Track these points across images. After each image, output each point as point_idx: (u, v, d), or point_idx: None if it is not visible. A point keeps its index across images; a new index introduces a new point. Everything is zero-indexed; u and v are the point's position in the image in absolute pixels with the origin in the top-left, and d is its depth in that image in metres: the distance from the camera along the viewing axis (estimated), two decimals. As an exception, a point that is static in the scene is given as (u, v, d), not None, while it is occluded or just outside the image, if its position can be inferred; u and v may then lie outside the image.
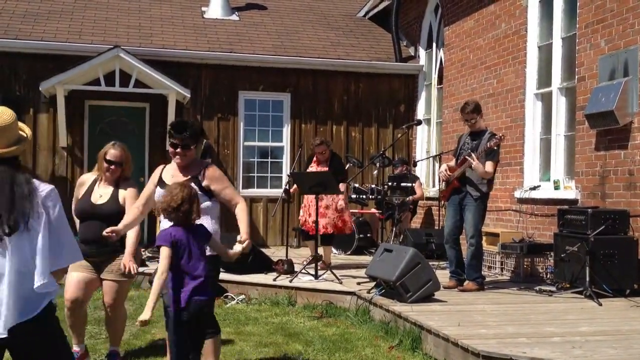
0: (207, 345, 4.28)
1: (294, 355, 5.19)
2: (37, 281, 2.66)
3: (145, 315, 3.58)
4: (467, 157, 6.84)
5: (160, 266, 3.76)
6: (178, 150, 4.40)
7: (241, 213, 4.41)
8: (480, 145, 6.90)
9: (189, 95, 10.82)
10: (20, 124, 2.96)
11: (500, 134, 6.99)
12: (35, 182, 2.81)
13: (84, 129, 11.12)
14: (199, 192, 4.24)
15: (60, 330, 2.90)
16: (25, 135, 2.92)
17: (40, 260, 2.68)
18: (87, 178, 5.08)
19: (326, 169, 8.12)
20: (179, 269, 3.83)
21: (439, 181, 7.40)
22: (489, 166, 6.83)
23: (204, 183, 4.39)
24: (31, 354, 2.76)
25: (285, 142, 11.90)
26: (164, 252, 3.78)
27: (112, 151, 4.93)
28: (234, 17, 12.94)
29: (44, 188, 2.81)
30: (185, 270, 3.83)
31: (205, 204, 4.31)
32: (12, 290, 2.64)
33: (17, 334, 2.66)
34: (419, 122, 9.95)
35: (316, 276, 7.44)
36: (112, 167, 4.90)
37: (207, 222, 4.25)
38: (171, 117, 10.74)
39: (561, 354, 4.33)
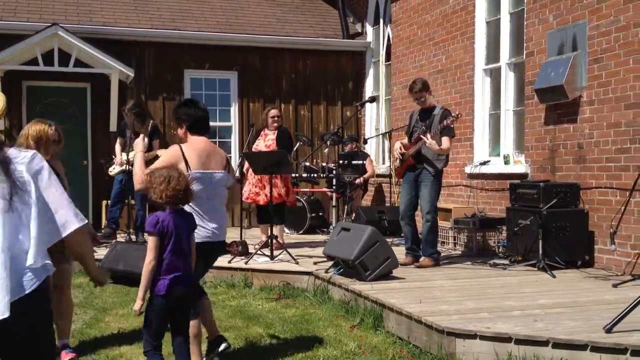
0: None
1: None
2: (29, 260, 2.32)
3: (137, 305, 3.68)
4: (421, 135, 6.84)
5: (148, 256, 3.66)
6: None
7: None
8: (434, 123, 6.91)
9: (132, 75, 10.48)
10: None
11: (457, 113, 7.01)
12: (12, 151, 2.38)
13: (22, 111, 10.65)
14: None
15: (51, 317, 2.57)
16: None
17: (32, 236, 2.33)
18: None
19: (274, 142, 8.01)
20: (164, 256, 3.71)
21: (391, 159, 7.38)
22: (445, 142, 6.84)
23: None
24: (16, 338, 2.35)
25: (233, 121, 11.70)
26: (152, 241, 3.67)
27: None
28: (177, -7, 12.56)
29: (24, 155, 2.39)
30: (170, 259, 3.70)
31: None
32: (4, 270, 2.28)
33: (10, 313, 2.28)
34: (373, 99, 9.84)
35: (272, 257, 7.35)
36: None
37: None
38: (114, 97, 10.42)
39: (524, 327, 4.37)
